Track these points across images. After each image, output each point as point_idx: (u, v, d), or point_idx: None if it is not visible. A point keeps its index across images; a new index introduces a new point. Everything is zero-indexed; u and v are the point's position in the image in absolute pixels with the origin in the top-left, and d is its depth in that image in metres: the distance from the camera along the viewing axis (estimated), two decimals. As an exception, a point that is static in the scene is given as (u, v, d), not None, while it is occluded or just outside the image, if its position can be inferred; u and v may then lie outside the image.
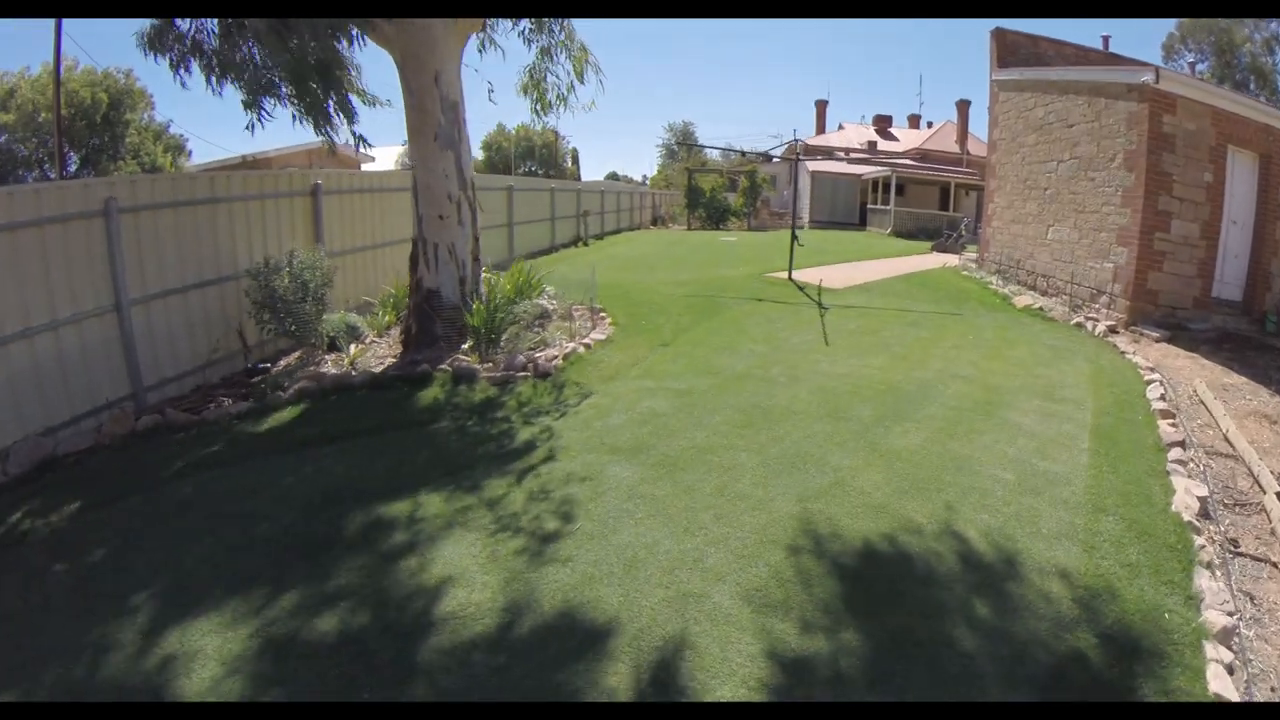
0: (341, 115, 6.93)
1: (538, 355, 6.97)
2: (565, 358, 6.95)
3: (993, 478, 4.34)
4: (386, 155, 42.45)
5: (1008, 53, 13.17)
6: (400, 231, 9.85)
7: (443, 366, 6.57)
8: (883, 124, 39.96)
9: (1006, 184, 12.99)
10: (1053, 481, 4.31)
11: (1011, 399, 5.95)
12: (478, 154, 56.56)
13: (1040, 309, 10.32)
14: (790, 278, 12.58)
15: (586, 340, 7.62)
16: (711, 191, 31.13)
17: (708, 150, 48.97)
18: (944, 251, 18.84)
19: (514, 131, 55.42)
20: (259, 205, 7.45)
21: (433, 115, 7.15)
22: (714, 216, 30.82)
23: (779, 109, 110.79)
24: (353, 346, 7.60)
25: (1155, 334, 8.92)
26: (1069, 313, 10.08)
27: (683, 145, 46.90)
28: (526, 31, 7.83)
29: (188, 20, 6.28)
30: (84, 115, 24.69)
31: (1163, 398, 5.91)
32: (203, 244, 6.68)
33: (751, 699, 2.59)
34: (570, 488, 4.21)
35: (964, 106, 34.58)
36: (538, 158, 55.29)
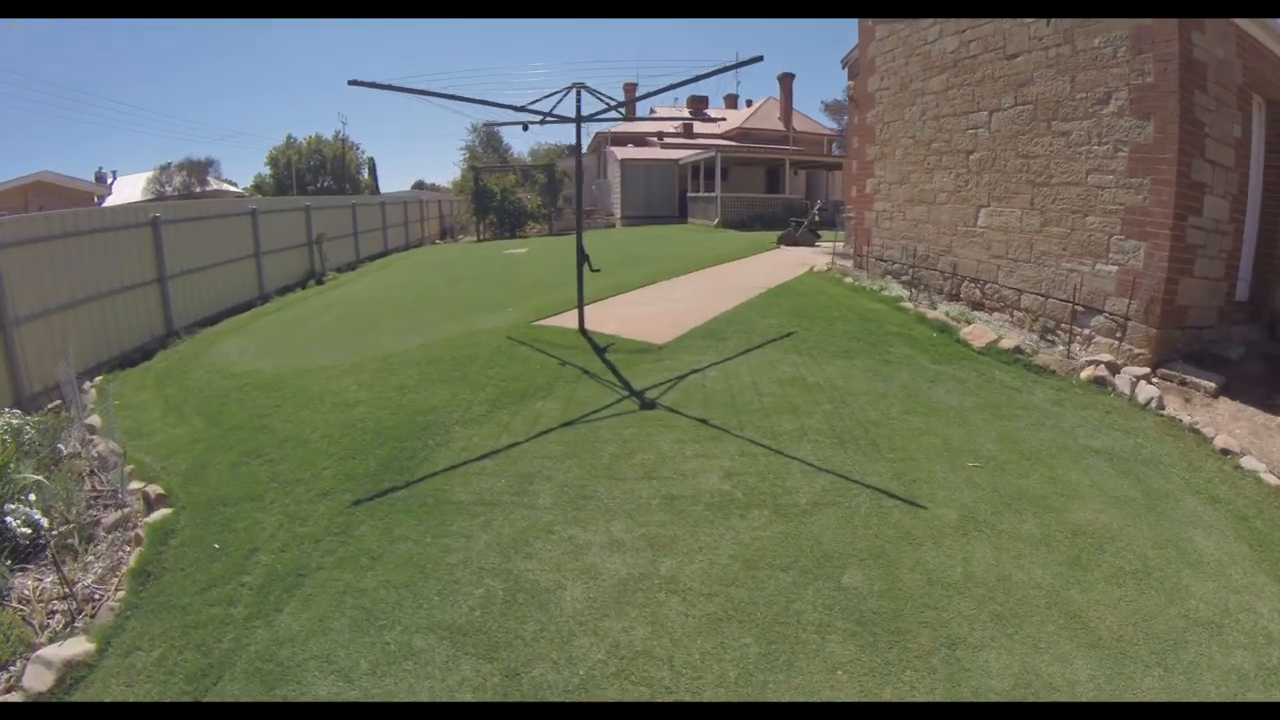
0: None
1: None
2: None
3: None
4: (133, 185, 31.79)
5: (879, -26, 9.57)
6: None
7: None
8: (698, 105, 36.94)
9: (896, 150, 9.41)
10: None
11: None
12: (264, 170, 45.00)
13: (1017, 350, 6.43)
14: (582, 329, 7.40)
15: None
16: (503, 193, 25.68)
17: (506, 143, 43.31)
18: (794, 245, 15.41)
19: (304, 143, 44.91)
20: None
21: None
22: (508, 223, 25.44)
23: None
24: None
25: (1207, 381, 5.51)
26: (1046, 347, 6.49)
27: (483, 129, 40.66)
28: None
29: None
30: None
31: None
32: None
33: None
34: None
35: (787, 81, 32.20)
36: (329, 170, 45.31)
